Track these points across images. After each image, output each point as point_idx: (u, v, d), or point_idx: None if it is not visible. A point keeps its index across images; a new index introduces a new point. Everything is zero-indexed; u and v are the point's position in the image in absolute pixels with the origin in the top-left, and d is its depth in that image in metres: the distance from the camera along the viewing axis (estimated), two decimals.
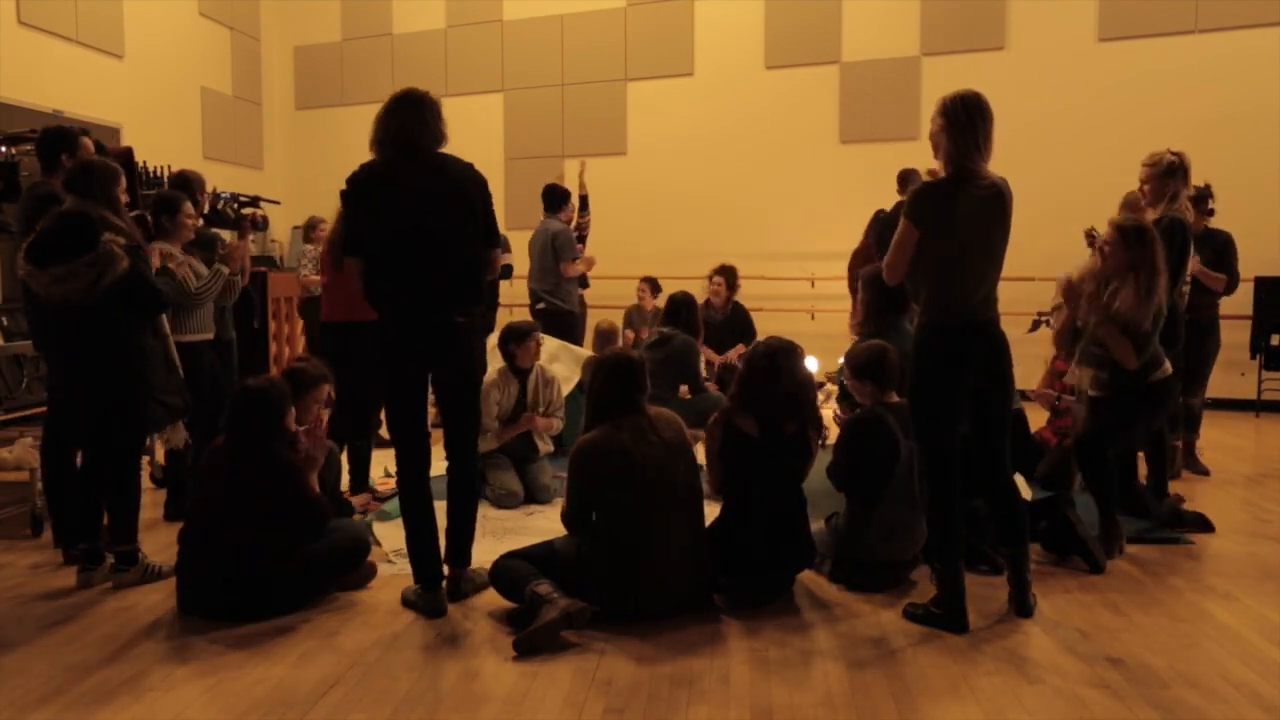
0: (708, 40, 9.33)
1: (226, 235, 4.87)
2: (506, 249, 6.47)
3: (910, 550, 3.45)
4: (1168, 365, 3.77)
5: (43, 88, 7.45)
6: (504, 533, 4.15)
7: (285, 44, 10.73)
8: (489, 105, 9.96)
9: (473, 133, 9.33)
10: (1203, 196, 5.04)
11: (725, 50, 9.26)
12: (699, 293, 6.61)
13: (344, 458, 4.54)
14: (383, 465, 4.87)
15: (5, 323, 5.41)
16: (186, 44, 9.25)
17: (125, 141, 7.66)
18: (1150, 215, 4.13)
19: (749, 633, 3.03)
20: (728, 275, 6.93)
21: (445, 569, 3.31)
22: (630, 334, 7.26)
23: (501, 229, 4.01)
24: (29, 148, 4.97)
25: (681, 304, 5.86)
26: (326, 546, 3.31)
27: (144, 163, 6.30)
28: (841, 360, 3.99)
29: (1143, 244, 3.59)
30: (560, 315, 6.61)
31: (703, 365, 6.11)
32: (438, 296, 3.18)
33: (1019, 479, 3.72)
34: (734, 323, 6.97)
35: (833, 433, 3.99)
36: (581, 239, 7.19)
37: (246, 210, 6.20)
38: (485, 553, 3.49)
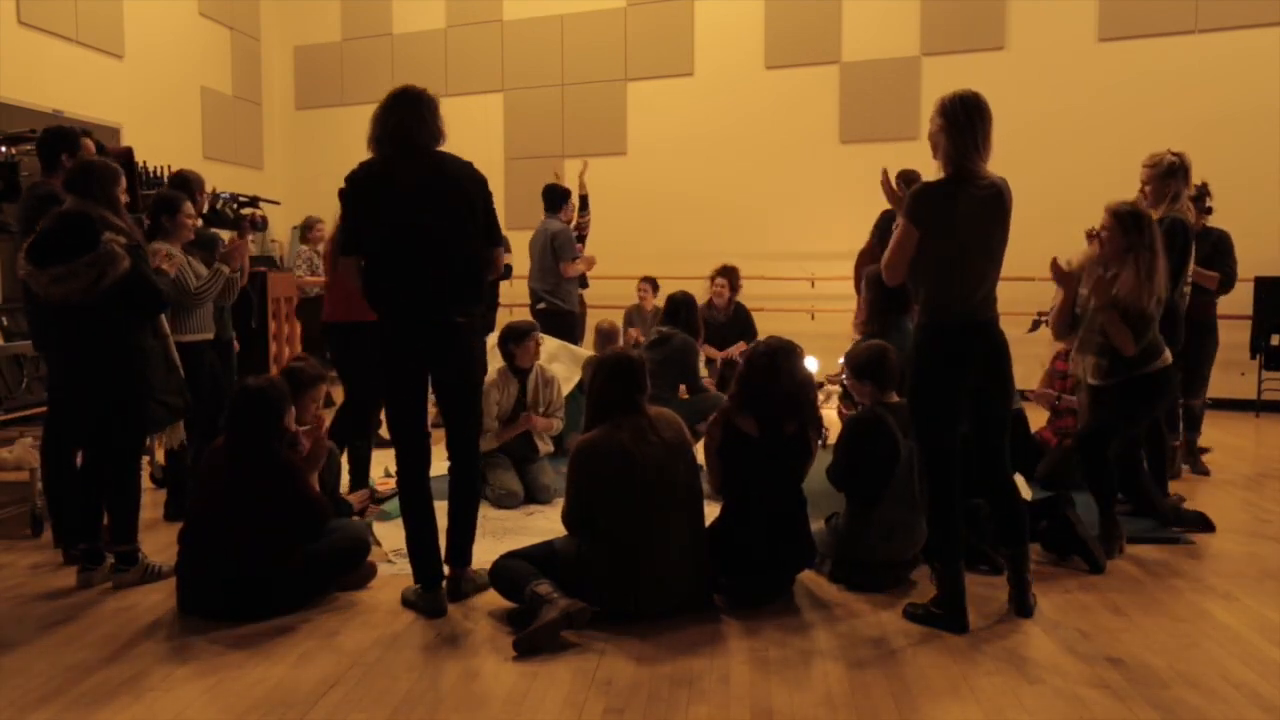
0: (708, 40, 9.33)
1: (226, 235, 4.87)
2: (507, 249, 6.47)
3: (910, 550, 3.45)
4: (1168, 354, 3.75)
5: (43, 88, 7.45)
6: (504, 533, 4.15)
7: (285, 44, 10.73)
8: (489, 105, 9.96)
9: (472, 133, 9.34)
10: (1199, 195, 5.05)
11: (725, 50, 9.26)
12: (700, 293, 6.61)
13: (344, 458, 4.54)
14: (383, 465, 4.88)
15: (5, 323, 5.41)
16: (186, 44, 9.25)
17: (125, 141, 7.66)
18: (1152, 216, 4.13)
19: (749, 633, 3.02)
20: (730, 276, 6.94)
21: (445, 569, 3.31)
22: (632, 333, 7.26)
23: (501, 229, 4.01)
24: (29, 148, 4.98)
25: (681, 304, 5.86)
26: (326, 546, 3.31)
27: (144, 163, 6.31)
28: (841, 360, 3.99)
29: (1139, 228, 3.59)
30: (560, 315, 6.62)
31: (703, 364, 6.11)
32: (437, 296, 3.17)
33: (1019, 479, 3.72)
34: (736, 323, 6.97)
35: (834, 432, 3.99)
36: (581, 239, 7.20)
37: (246, 210, 6.21)
38: (485, 553, 3.49)
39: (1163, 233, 3.79)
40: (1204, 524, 4.13)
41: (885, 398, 3.55)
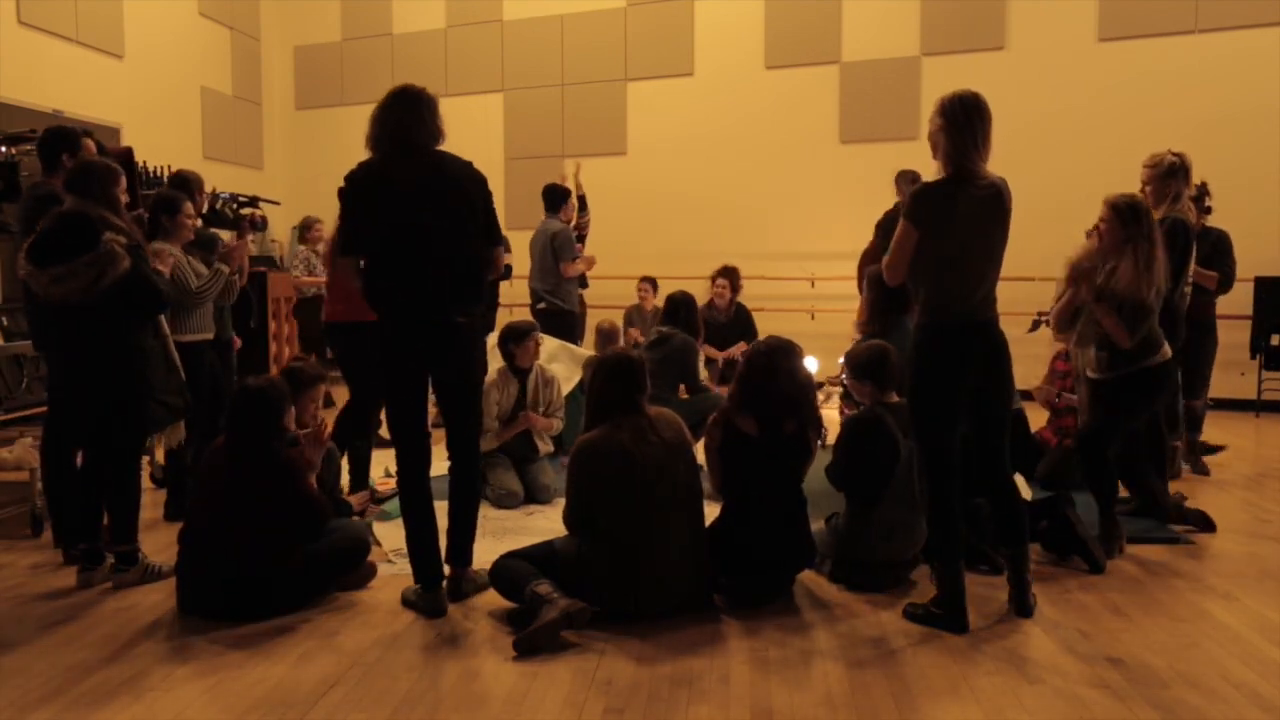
0: (708, 40, 9.33)
1: (225, 235, 4.87)
2: (507, 249, 6.47)
3: (910, 550, 3.45)
4: (1167, 349, 3.73)
5: (43, 88, 7.45)
6: (504, 533, 4.15)
7: (285, 44, 10.73)
8: (489, 105, 9.96)
9: (472, 133, 9.34)
10: (1199, 195, 5.05)
11: (725, 50, 9.26)
12: (700, 293, 6.61)
13: (344, 458, 4.54)
14: (383, 465, 4.88)
15: (5, 323, 5.41)
16: (186, 44, 9.25)
17: (125, 141, 7.66)
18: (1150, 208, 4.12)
19: (749, 633, 3.02)
20: (731, 277, 6.93)
21: (446, 569, 3.31)
22: (632, 333, 7.26)
23: (501, 229, 4.01)
24: (29, 148, 4.98)
25: (680, 303, 5.86)
26: (326, 546, 3.31)
27: (144, 163, 6.31)
28: (841, 360, 3.99)
29: (1137, 219, 3.58)
30: (561, 315, 6.62)
31: (703, 363, 6.11)
32: (437, 296, 3.17)
33: (1019, 479, 3.72)
34: (737, 323, 6.97)
35: (833, 432, 3.99)
36: (581, 239, 7.19)
37: (245, 210, 6.21)
38: (485, 553, 3.49)
39: (1164, 233, 3.79)
40: (1205, 523, 4.13)
41: (885, 398, 3.55)
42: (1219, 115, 7.68)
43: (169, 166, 6.44)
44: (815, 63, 8.98)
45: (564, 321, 6.60)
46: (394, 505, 4.12)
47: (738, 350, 6.59)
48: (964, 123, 2.97)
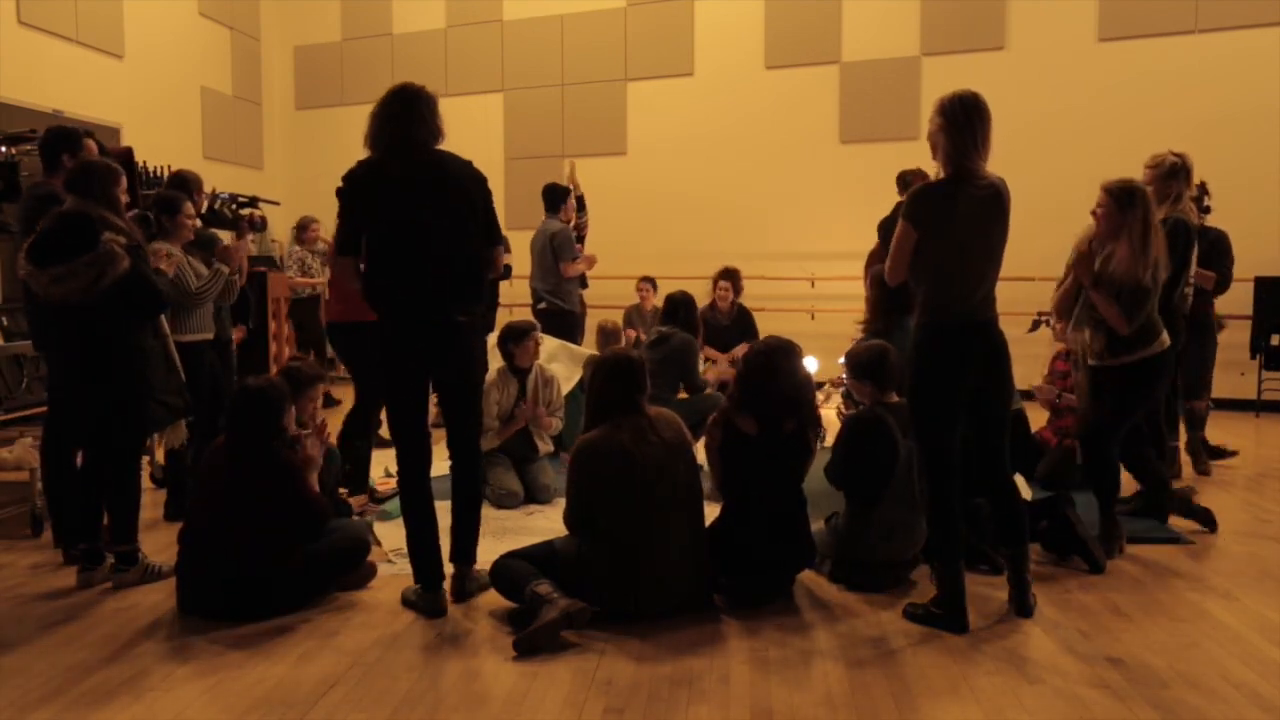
0: (708, 40, 9.33)
1: (224, 236, 4.87)
2: (507, 248, 6.47)
3: (910, 550, 3.45)
4: (1165, 337, 3.71)
5: (43, 88, 7.45)
6: (504, 533, 4.14)
7: (285, 44, 10.74)
8: (489, 105, 9.96)
9: (472, 133, 9.34)
10: (1198, 195, 5.05)
11: (725, 50, 9.26)
12: (700, 294, 6.60)
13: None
14: (383, 465, 4.88)
15: (5, 323, 5.41)
16: (186, 44, 9.25)
17: (125, 141, 7.66)
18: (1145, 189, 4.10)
19: (749, 633, 3.02)
20: (733, 279, 6.92)
21: (450, 567, 3.31)
22: (632, 333, 7.26)
23: (502, 229, 4.00)
24: (29, 148, 4.98)
25: (680, 303, 5.85)
26: (326, 546, 3.31)
27: (144, 163, 6.30)
28: (842, 360, 3.99)
29: (1133, 203, 3.57)
30: (561, 315, 6.62)
31: (703, 364, 6.10)
32: (438, 295, 3.16)
33: (1019, 479, 3.72)
34: (738, 325, 6.97)
35: (832, 432, 3.99)
36: (580, 239, 7.19)
37: (245, 211, 6.19)
38: (485, 553, 3.48)
39: (1165, 233, 3.78)
40: (1208, 522, 4.12)
41: (885, 398, 3.55)
42: (1219, 115, 7.68)
43: (169, 166, 6.43)
44: (815, 63, 8.98)
45: (564, 321, 6.59)
46: (394, 505, 4.13)
47: (739, 352, 6.58)
48: (964, 123, 2.97)
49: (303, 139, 10.67)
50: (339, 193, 3.21)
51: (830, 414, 4.25)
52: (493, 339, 5.30)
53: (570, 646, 2.89)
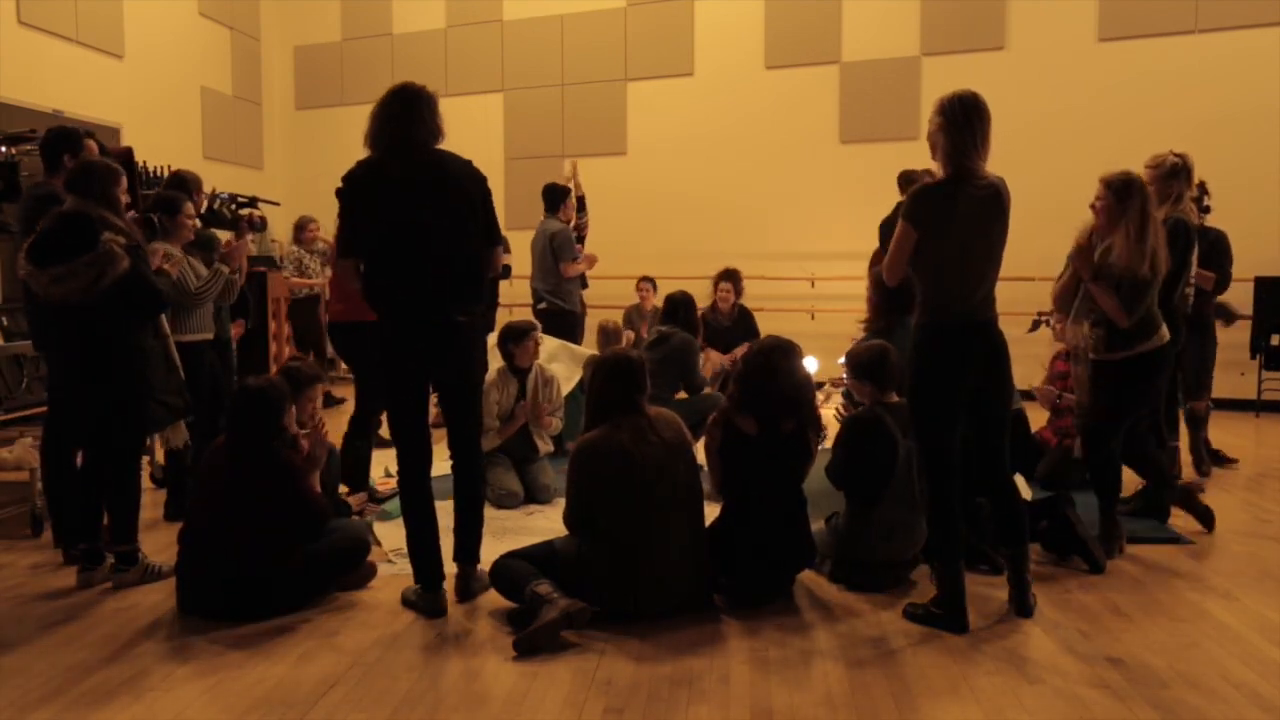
0: (708, 40, 9.33)
1: (224, 236, 4.86)
2: (506, 249, 6.48)
3: (910, 550, 3.45)
4: (1164, 331, 3.71)
5: (43, 88, 7.45)
6: (504, 533, 4.14)
7: (285, 44, 10.73)
8: (489, 105, 9.96)
9: (472, 133, 9.34)
10: (1197, 195, 5.04)
11: (725, 50, 9.26)
12: (700, 294, 6.60)
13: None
14: (383, 465, 4.88)
15: (5, 323, 5.41)
16: (186, 44, 9.25)
17: (125, 141, 7.66)
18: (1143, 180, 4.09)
19: (749, 633, 3.02)
20: (734, 280, 6.91)
21: (455, 566, 3.31)
22: (631, 334, 7.26)
23: (501, 229, 4.00)
24: (29, 148, 4.98)
25: (680, 303, 5.86)
26: (326, 546, 3.31)
27: (144, 163, 6.30)
28: (842, 360, 3.99)
29: (1130, 194, 3.57)
30: (562, 315, 6.62)
31: (706, 366, 6.11)
32: (438, 295, 3.16)
33: (1019, 479, 3.72)
34: (740, 326, 6.97)
35: (832, 431, 3.99)
36: (580, 239, 7.19)
37: (244, 211, 6.20)
38: (485, 552, 3.47)
39: (1166, 234, 3.77)
40: (1206, 520, 4.10)
41: (885, 398, 3.55)
42: (1219, 115, 7.68)
43: (169, 166, 6.43)
44: (815, 63, 8.98)
45: (565, 321, 6.60)
46: (394, 505, 4.13)
47: (740, 353, 6.57)
48: (963, 123, 2.97)
49: (303, 139, 10.67)
50: (339, 194, 3.20)
51: (831, 414, 4.24)
52: (493, 339, 5.30)
53: (570, 646, 2.89)
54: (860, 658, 2.83)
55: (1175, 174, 4.19)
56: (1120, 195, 3.57)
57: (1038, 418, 5.12)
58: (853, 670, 2.74)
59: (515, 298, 8.06)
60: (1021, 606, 3.13)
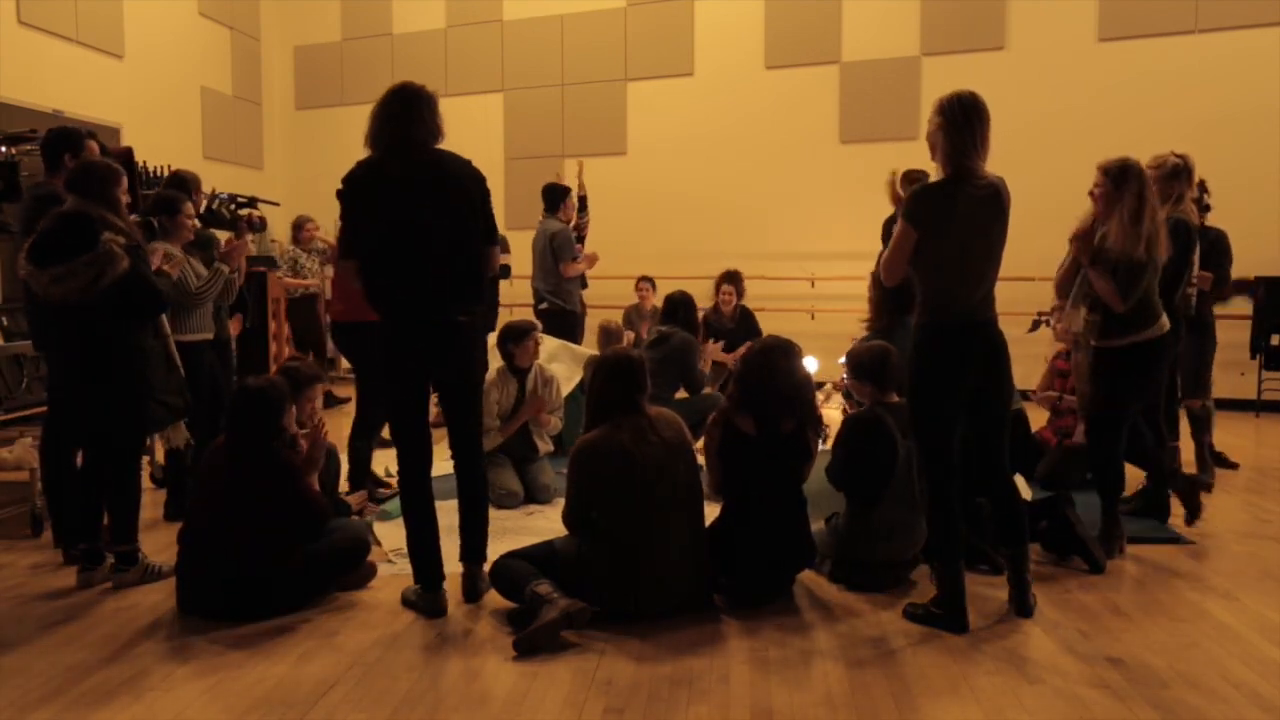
0: (708, 40, 9.33)
1: (223, 237, 4.86)
2: (505, 249, 6.48)
3: (910, 550, 3.45)
4: (1164, 322, 3.70)
5: (43, 88, 7.45)
6: (504, 533, 4.14)
7: (285, 44, 10.74)
8: (489, 105, 9.96)
9: (472, 132, 9.34)
10: (1198, 195, 5.04)
11: (725, 50, 9.27)
12: (700, 294, 6.61)
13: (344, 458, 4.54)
14: (383, 465, 4.88)
15: (5, 323, 5.41)
16: (186, 44, 9.25)
17: (125, 141, 7.66)
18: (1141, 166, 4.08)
19: (749, 633, 3.02)
20: (736, 282, 6.92)
21: (460, 566, 3.32)
22: (632, 334, 7.26)
23: (501, 229, 4.00)
24: (29, 148, 4.98)
25: (679, 303, 5.86)
26: (326, 546, 3.31)
27: (144, 163, 6.30)
28: (842, 360, 3.99)
29: (1126, 179, 3.57)
30: (563, 315, 6.62)
31: (709, 365, 6.11)
32: (438, 295, 3.16)
33: (1019, 479, 3.72)
34: (742, 327, 6.97)
35: (833, 431, 3.99)
36: (580, 239, 7.20)
37: (243, 211, 6.19)
38: (488, 552, 3.48)
39: (1167, 234, 3.77)
40: (1192, 513, 4.07)
41: (885, 398, 3.55)
42: (1219, 115, 7.68)
43: (169, 166, 6.43)
44: (815, 63, 8.98)
45: (566, 321, 6.60)
46: (394, 505, 4.13)
47: (743, 350, 6.57)
48: (962, 123, 2.97)
49: (303, 139, 10.67)
50: (339, 195, 3.20)
51: (831, 414, 4.25)
52: (493, 339, 5.30)
53: (570, 646, 2.89)
54: (860, 658, 2.83)
55: (1176, 175, 4.19)
56: (1117, 181, 3.58)
57: (1038, 418, 5.12)
58: (853, 670, 2.74)
59: (515, 298, 8.06)
60: (1021, 606, 3.13)
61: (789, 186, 9.03)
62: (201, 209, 5.15)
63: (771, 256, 8.86)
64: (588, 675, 2.71)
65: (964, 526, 3.14)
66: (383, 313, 3.21)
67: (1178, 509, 4.18)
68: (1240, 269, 5.29)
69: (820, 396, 4.75)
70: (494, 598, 3.24)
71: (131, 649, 2.93)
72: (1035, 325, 5.57)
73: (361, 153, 3.21)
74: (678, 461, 3.18)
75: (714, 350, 6.30)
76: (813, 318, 8.48)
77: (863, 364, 3.60)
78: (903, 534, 3.42)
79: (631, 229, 9.10)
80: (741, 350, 6.55)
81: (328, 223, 8.04)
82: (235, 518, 3.14)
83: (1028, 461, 4.71)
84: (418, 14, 10.20)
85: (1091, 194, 3.71)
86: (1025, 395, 5.02)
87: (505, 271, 6.63)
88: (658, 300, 6.94)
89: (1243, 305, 7.09)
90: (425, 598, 3.22)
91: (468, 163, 3.23)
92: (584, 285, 7.21)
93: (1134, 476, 4.18)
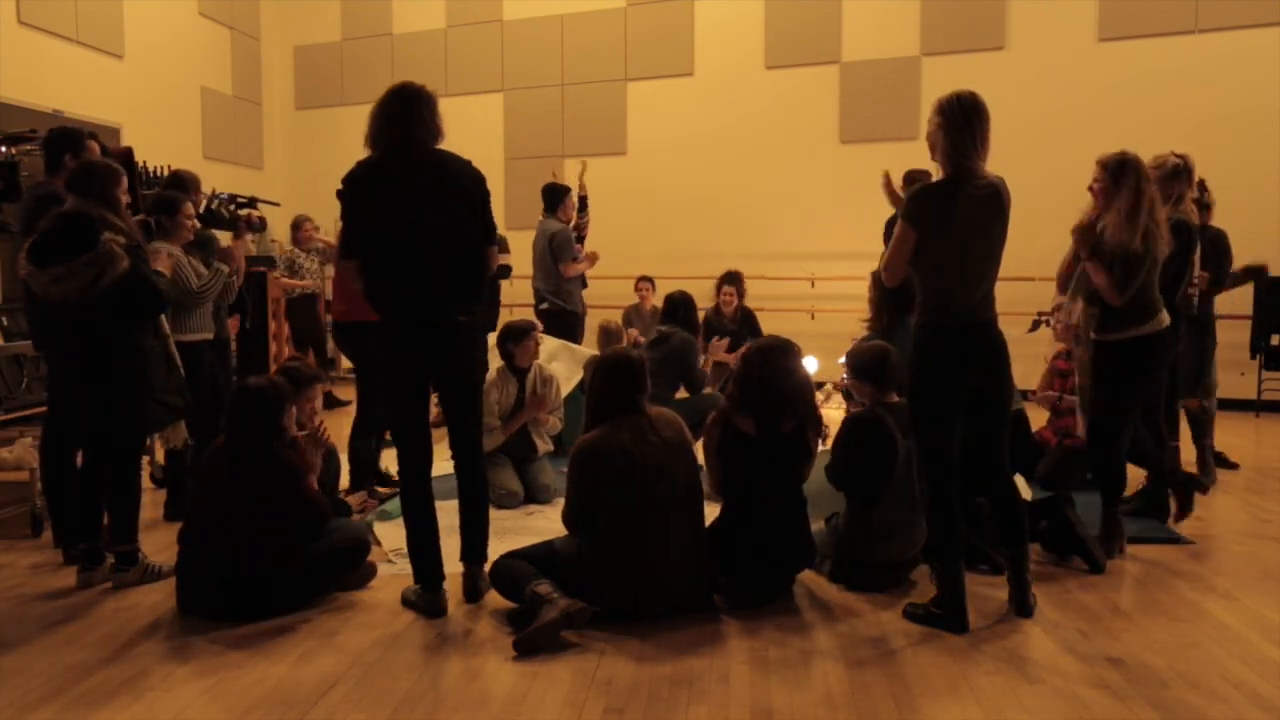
0: (708, 40, 9.34)
1: (222, 236, 4.86)
2: (504, 249, 6.47)
3: (910, 550, 3.45)
4: (1164, 317, 3.70)
5: (43, 88, 7.45)
6: (504, 533, 4.14)
7: (285, 44, 10.74)
8: (489, 105, 9.96)
9: (472, 132, 9.35)
10: (1198, 195, 5.03)
11: (725, 50, 9.27)
12: (700, 294, 6.61)
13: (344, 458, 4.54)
14: (383, 465, 4.88)
15: (5, 323, 5.41)
16: (186, 44, 9.26)
17: (125, 141, 7.66)
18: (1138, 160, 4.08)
19: (749, 633, 3.02)
20: (737, 283, 6.91)
21: (461, 566, 3.32)
22: (632, 333, 7.26)
23: (501, 229, 4.00)
24: (29, 148, 4.98)
25: (679, 303, 5.86)
26: (326, 546, 3.31)
27: (144, 163, 6.30)
28: (842, 360, 3.99)
29: (1124, 173, 3.56)
30: (563, 315, 6.62)
31: (707, 360, 6.11)
32: (438, 294, 3.16)
33: (1019, 479, 3.72)
34: (743, 328, 6.97)
35: (833, 431, 3.99)
36: (580, 239, 7.19)
37: (243, 211, 6.20)
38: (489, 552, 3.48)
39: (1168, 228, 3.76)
40: (1184, 508, 4.06)
41: (885, 398, 3.55)
42: (1219, 115, 7.68)
43: (169, 166, 6.43)
44: (815, 63, 8.98)
45: (566, 321, 6.60)
46: (394, 505, 4.13)
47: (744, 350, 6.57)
48: (962, 123, 2.97)
49: (303, 139, 10.67)
50: (339, 195, 3.20)
51: (831, 414, 4.25)
52: (493, 339, 5.30)
53: (570, 646, 2.89)
54: (860, 658, 2.83)
55: (1176, 175, 4.19)
56: (1115, 175, 3.58)
57: (1038, 418, 5.12)
58: (853, 670, 2.74)
59: (516, 298, 8.06)
60: (1021, 606, 3.13)
61: (789, 186, 9.03)
62: (201, 209, 5.15)
63: (771, 256, 8.87)
64: (588, 675, 2.71)
65: (964, 526, 3.14)
66: (383, 313, 3.21)
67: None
68: (1240, 269, 5.29)
69: (820, 396, 4.75)
70: (494, 598, 3.24)
71: (131, 649, 2.93)
72: (1035, 325, 5.57)
73: (361, 153, 3.21)
74: (678, 461, 3.18)
75: (718, 348, 6.31)
76: (813, 318, 8.48)
77: (863, 364, 3.60)
78: (903, 534, 3.42)
79: (631, 229, 9.10)
80: (741, 350, 6.58)
81: (327, 223, 8.06)
82: (235, 518, 3.14)
83: (1028, 461, 4.71)
84: (418, 14, 10.20)
85: (1091, 188, 3.72)
86: (1025, 395, 5.02)
87: (505, 271, 6.62)
88: (658, 300, 6.94)
89: (1243, 305, 7.08)
90: (425, 598, 3.22)
91: (468, 163, 3.24)
92: (584, 285, 7.21)
93: (1134, 476, 4.18)
